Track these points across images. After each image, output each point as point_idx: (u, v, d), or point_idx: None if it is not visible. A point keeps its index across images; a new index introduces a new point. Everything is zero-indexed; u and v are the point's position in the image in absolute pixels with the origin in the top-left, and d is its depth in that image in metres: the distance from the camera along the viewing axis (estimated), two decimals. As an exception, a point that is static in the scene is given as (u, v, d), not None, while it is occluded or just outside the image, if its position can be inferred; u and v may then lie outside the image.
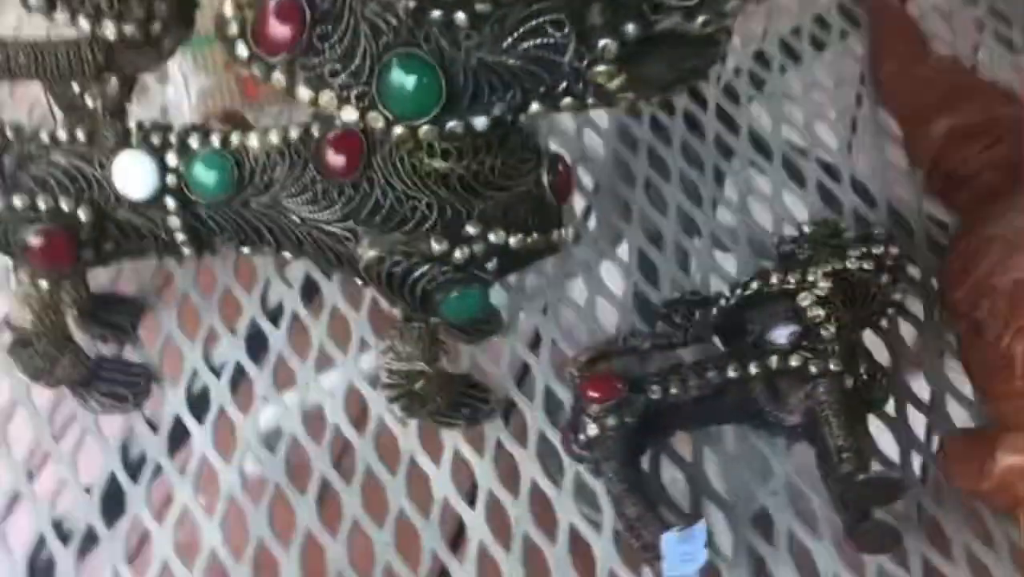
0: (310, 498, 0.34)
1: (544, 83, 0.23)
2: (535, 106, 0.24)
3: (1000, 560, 0.33)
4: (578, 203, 0.45)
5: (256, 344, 0.38)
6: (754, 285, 0.35)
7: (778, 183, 0.44)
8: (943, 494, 0.34)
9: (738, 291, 0.35)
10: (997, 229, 0.36)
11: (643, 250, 0.41)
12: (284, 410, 0.36)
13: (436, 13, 0.22)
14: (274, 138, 0.30)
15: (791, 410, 0.33)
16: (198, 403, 0.37)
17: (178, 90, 0.43)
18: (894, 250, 0.37)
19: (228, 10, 0.25)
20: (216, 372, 0.37)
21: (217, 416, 0.36)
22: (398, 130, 0.24)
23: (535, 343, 0.38)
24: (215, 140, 0.30)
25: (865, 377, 0.33)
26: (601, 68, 0.23)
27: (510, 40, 0.23)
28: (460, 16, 0.22)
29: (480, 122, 0.24)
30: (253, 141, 0.30)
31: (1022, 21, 0.50)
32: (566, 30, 0.22)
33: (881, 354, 0.38)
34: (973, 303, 0.35)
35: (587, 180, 0.45)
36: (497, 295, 0.38)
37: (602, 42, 0.22)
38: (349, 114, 0.24)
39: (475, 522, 0.34)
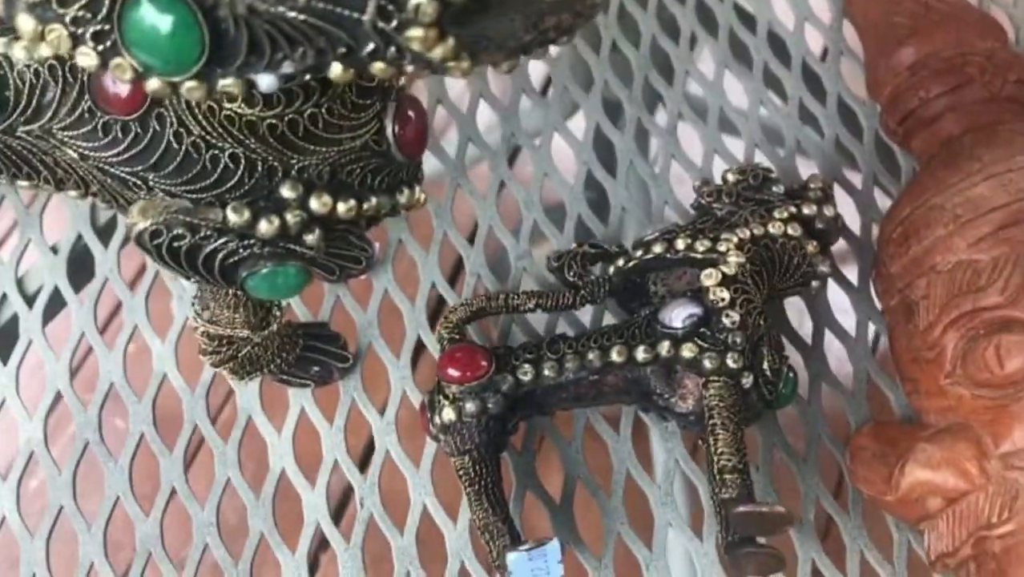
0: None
1: (342, 42, 0.17)
2: (337, 68, 0.18)
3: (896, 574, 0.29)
4: (539, 70, 0.40)
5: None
6: (656, 248, 0.30)
7: (759, 63, 0.38)
8: (845, 495, 0.30)
9: (640, 252, 0.30)
10: (946, 198, 0.30)
11: (600, 126, 0.36)
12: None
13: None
14: (45, 50, 0.23)
15: (684, 395, 0.29)
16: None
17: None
18: (828, 211, 0.31)
19: None
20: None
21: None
22: (153, 83, 0.18)
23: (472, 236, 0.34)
24: (-28, 47, 0.23)
25: (769, 373, 0.28)
26: (416, 32, 0.16)
27: (283, -19, 0.16)
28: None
29: (265, 81, 0.18)
30: (19, 51, 0.23)
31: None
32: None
33: (805, 321, 0.33)
34: (909, 280, 0.30)
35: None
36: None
37: (414, 1, 0.16)
38: (87, 58, 0.18)
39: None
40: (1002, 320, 0.28)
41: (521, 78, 0.38)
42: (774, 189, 0.31)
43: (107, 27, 0.17)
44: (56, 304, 0.32)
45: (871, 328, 0.33)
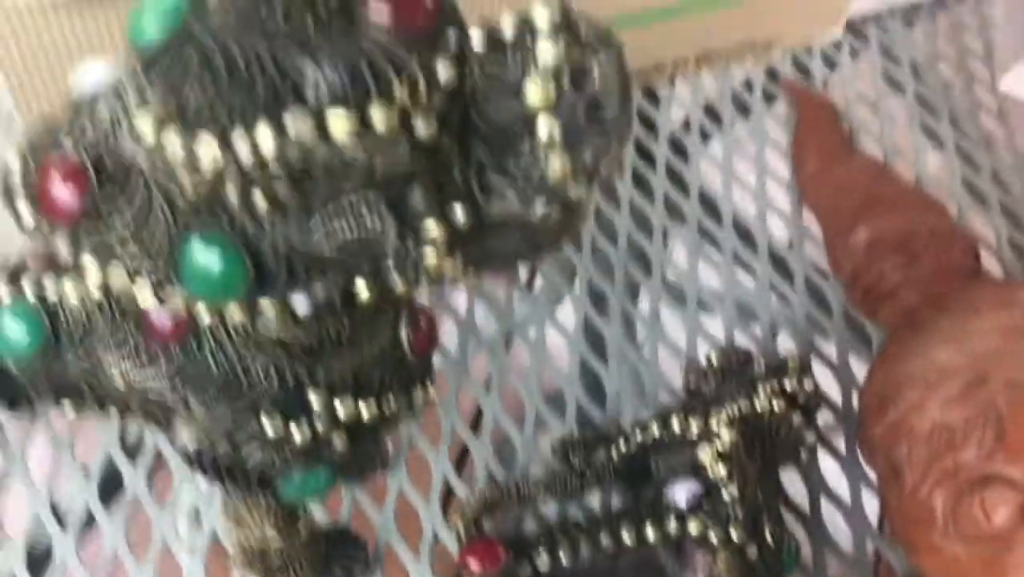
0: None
1: (367, 268, 0.20)
2: (363, 288, 0.20)
3: None
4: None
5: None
6: (654, 429, 0.32)
7: (728, 249, 0.42)
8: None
9: (638, 432, 0.32)
10: (914, 365, 0.33)
11: (588, 316, 0.39)
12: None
13: (231, 193, 0.19)
14: (94, 287, 0.26)
15: (694, 570, 0.30)
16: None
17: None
18: (808, 385, 0.34)
19: (13, 159, 0.21)
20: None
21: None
22: (202, 311, 0.20)
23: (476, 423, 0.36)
24: (26, 286, 0.26)
25: (771, 543, 0.29)
26: (430, 253, 0.19)
27: (320, 230, 0.19)
28: (258, 198, 0.19)
29: (300, 305, 0.21)
30: (70, 286, 0.26)
31: (947, 111, 0.48)
32: (383, 217, 0.19)
33: (799, 489, 0.35)
34: (891, 445, 0.32)
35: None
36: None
37: (426, 228, 0.19)
38: (144, 292, 0.20)
39: None
40: (981, 477, 0.30)
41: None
42: (756, 368, 0.34)
43: (161, 264, 0.20)
44: (89, 523, 0.33)
45: (864, 493, 0.35)
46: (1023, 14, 0.42)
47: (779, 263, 0.41)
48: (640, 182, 0.44)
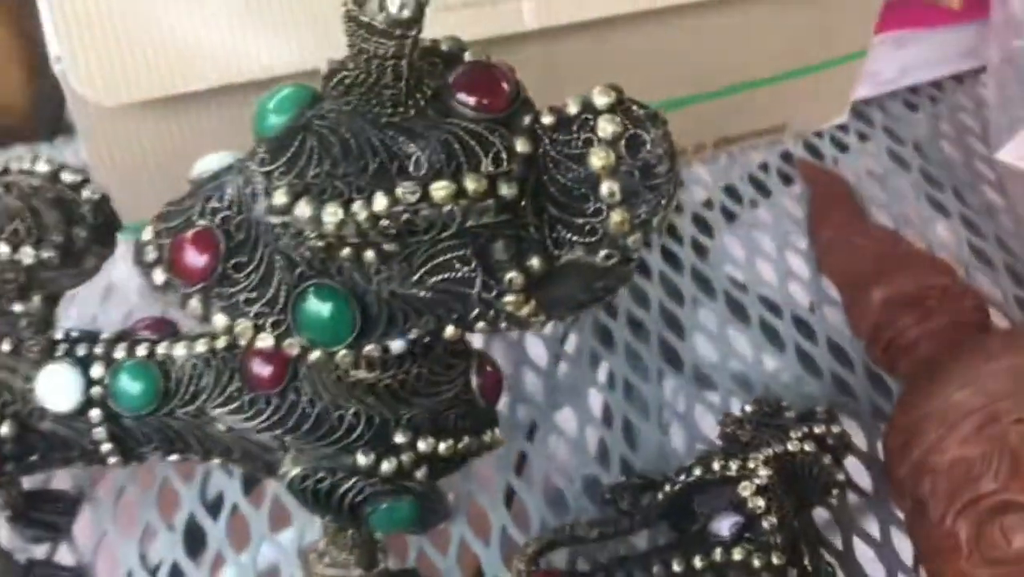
0: None
1: (456, 311, 0.24)
2: (450, 330, 0.24)
3: None
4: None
5: (195, 540, 0.37)
6: (696, 471, 0.35)
7: (755, 318, 0.45)
8: None
9: (682, 476, 0.35)
10: (934, 406, 0.36)
11: (628, 379, 0.42)
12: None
13: (345, 251, 0.23)
14: (200, 347, 0.29)
15: (740, 600, 0.33)
16: (132, 606, 0.36)
17: (126, 268, 0.43)
18: (836, 429, 0.37)
19: (147, 234, 0.25)
20: (152, 572, 0.36)
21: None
22: (315, 354, 0.24)
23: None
24: (141, 350, 0.30)
25: (810, 569, 0.32)
26: (510, 298, 0.23)
27: (419, 275, 0.23)
28: (368, 255, 0.23)
29: (396, 345, 0.24)
30: (179, 350, 0.30)
31: (950, 185, 0.51)
32: (472, 265, 0.23)
33: (832, 529, 0.38)
34: (915, 482, 0.35)
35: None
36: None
37: (508, 275, 0.23)
38: (266, 342, 0.24)
39: None
40: (1000, 503, 0.33)
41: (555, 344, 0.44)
42: (787, 415, 0.37)
43: (282, 317, 0.24)
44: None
45: (893, 532, 0.37)
46: (1011, 93, 0.46)
47: (802, 326, 0.45)
48: (668, 256, 0.48)
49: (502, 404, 0.40)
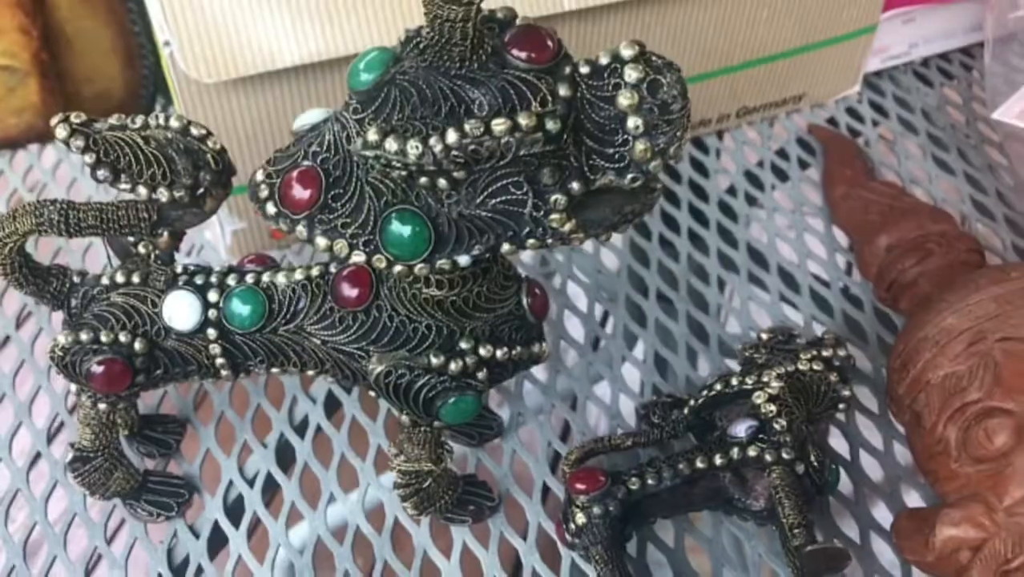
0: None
1: (511, 229, 0.29)
2: (506, 246, 0.30)
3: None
4: (599, 311, 0.50)
5: (285, 455, 0.43)
6: (717, 387, 0.40)
7: (775, 291, 0.49)
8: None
9: (704, 392, 0.40)
10: (928, 331, 0.40)
11: (658, 351, 0.47)
12: (313, 518, 0.41)
13: (423, 179, 0.28)
14: (298, 275, 0.35)
15: (756, 496, 0.38)
16: (234, 511, 0.42)
17: (215, 232, 0.50)
18: (842, 352, 0.42)
19: (259, 176, 0.31)
20: (249, 482, 0.42)
21: (251, 522, 0.41)
22: (398, 268, 0.30)
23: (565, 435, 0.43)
24: (249, 278, 0.36)
25: (816, 464, 0.37)
26: (555, 216, 0.29)
27: (481, 198, 0.29)
28: (441, 181, 0.28)
29: (463, 260, 0.30)
30: (280, 278, 0.35)
31: (955, 146, 0.56)
32: (524, 189, 0.28)
33: (842, 444, 0.43)
34: (913, 397, 0.40)
35: (605, 292, 0.50)
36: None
37: (553, 197, 0.28)
38: (358, 257, 0.30)
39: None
40: (984, 409, 0.38)
41: (591, 322, 0.50)
42: (798, 341, 0.42)
43: (372, 237, 0.30)
44: (270, 486, 0.42)
45: (895, 445, 0.42)
46: (1008, 60, 0.51)
47: (819, 299, 0.49)
48: (695, 239, 0.52)
49: (544, 375, 0.45)
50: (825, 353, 0.41)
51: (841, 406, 0.41)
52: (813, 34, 0.53)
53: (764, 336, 0.43)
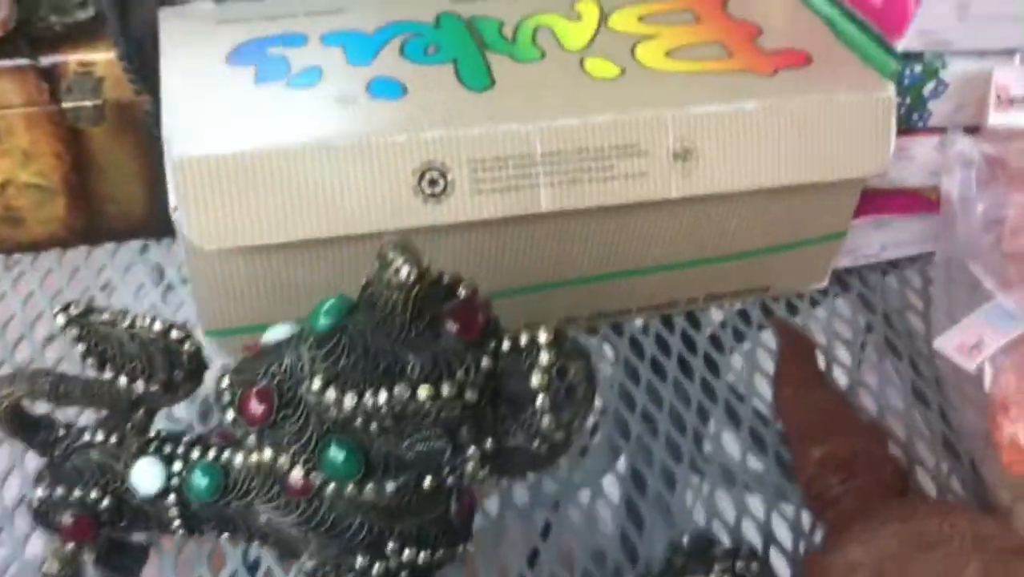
0: None
1: (432, 470, 0.33)
2: (428, 480, 0.33)
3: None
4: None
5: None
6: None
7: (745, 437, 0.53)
8: None
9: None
10: (835, 558, 0.44)
11: (636, 467, 0.50)
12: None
13: (358, 422, 0.32)
14: (254, 458, 0.39)
15: None
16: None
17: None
18: (755, 567, 0.45)
19: (224, 382, 0.35)
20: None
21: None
22: (331, 486, 0.34)
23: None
24: (211, 454, 0.40)
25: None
26: (471, 465, 0.32)
27: (407, 443, 0.32)
28: (373, 426, 0.32)
29: (390, 487, 0.34)
30: (239, 458, 0.39)
31: (908, 354, 0.59)
32: (444, 440, 0.32)
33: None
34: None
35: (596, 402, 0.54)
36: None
37: (469, 451, 0.32)
38: (297, 472, 0.34)
39: None
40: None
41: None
42: (715, 550, 0.45)
43: (312, 456, 0.33)
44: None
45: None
46: (951, 291, 0.54)
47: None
48: (678, 386, 0.56)
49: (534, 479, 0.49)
50: (738, 565, 0.44)
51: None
52: (781, 239, 0.57)
53: (685, 540, 0.46)
